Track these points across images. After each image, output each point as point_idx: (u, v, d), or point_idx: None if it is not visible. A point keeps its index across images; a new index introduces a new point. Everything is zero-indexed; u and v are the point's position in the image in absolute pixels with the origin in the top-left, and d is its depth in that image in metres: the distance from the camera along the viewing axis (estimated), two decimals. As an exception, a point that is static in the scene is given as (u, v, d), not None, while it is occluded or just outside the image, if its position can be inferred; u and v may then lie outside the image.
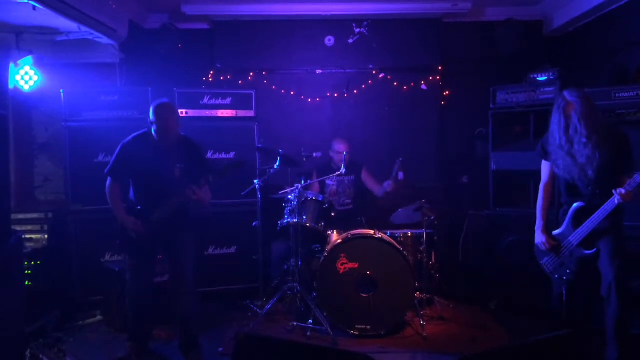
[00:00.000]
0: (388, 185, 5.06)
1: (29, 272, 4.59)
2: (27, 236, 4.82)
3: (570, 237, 3.60)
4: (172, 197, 3.76)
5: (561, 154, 3.53)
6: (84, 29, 5.02)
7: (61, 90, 5.07)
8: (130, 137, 3.87)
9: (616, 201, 3.34)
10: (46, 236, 4.90)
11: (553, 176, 3.78)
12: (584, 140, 3.40)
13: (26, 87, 5.26)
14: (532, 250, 3.89)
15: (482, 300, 5.12)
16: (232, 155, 5.41)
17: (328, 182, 5.33)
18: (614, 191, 3.33)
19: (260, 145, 5.30)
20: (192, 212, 4.07)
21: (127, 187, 3.93)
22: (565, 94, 3.52)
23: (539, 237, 3.75)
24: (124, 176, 3.88)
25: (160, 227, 3.78)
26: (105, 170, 3.86)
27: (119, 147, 3.85)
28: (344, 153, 5.12)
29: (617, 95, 4.37)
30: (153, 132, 3.77)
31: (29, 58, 5.21)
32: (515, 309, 4.82)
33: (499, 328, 4.58)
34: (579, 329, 3.62)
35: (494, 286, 5.08)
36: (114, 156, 3.85)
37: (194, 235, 3.99)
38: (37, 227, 4.93)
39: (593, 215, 3.46)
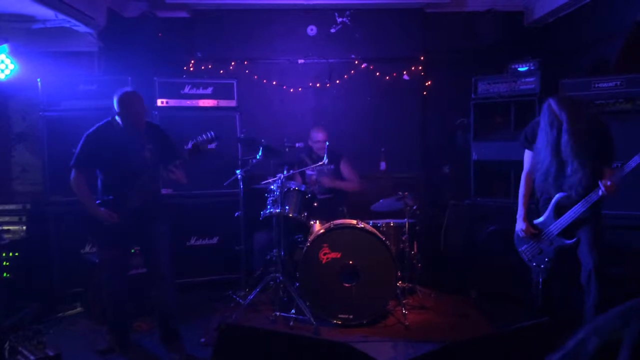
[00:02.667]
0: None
1: (7, 264, 4.53)
2: (5, 228, 4.75)
3: (551, 227, 3.65)
4: (145, 180, 3.71)
5: (549, 149, 3.53)
6: (60, 16, 4.93)
7: (38, 79, 4.98)
8: (94, 127, 3.81)
9: (600, 193, 3.37)
10: (24, 227, 4.83)
11: (535, 165, 3.82)
12: (575, 163, 3.44)
13: (2, 76, 5.14)
14: (512, 239, 3.94)
15: (463, 289, 5.17)
16: (213, 145, 5.35)
17: (308, 171, 5.33)
18: (600, 182, 3.37)
19: (242, 136, 5.26)
20: (166, 203, 4.04)
21: (93, 180, 3.84)
22: (554, 106, 3.48)
23: (520, 225, 3.80)
24: (90, 167, 3.80)
25: (134, 218, 3.73)
26: (71, 163, 3.77)
27: (82, 138, 3.78)
28: (324, 142, 5.14)
29: (596, 85, 4.41)
30: (118, 120, 3.75)
31: (5, 46, 5.08)
32: (495, 298, 4.87)
33: (480, 316, 4.64)
34: (556, 317, 3.69)
35: (474, 275, 5.13)
36: (78, 148, 3.78)
37: (168, 226, 3.96)
38: (15, 219, 4.86)
39: (575, 206, 3.51)
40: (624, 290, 4.04)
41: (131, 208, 3.71)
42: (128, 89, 3.83)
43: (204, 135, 3.77)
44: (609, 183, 3.35)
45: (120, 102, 3.71)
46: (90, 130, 3.81)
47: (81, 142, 3.78)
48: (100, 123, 3.83)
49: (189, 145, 3.80)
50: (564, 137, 3.42)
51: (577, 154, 3.41)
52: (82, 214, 3.80)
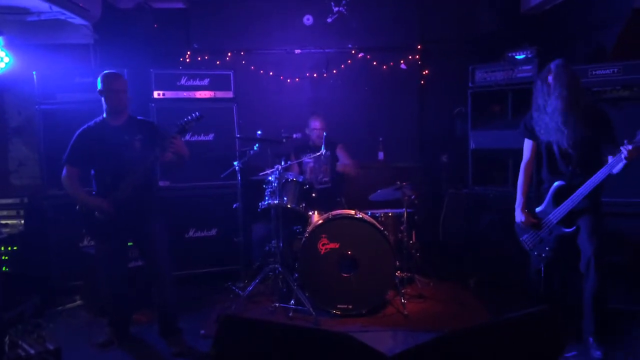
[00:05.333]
0: (348, 164, 5.29)
1: (6, 257, 4.53)
2: (3, 222, 4.75)
3: (550, 215, 3.65)
4: (137, 170, 3.70)
5: (541, 116, 3.57)
6: (55, 8, 4.88)
7: (34, 72, 4.95)
8: (85, 125, 3.87)
9: (623, 157, 3.25)
10: (22, 221, 4.82)
11: (534, 155, 3.82)
12: (557, 94, 3.45)
13: (-3, 69, 5.13)
14: (510, 228, 3.95)
15: (461, 278, 5.19)
16: (211, 137, 5.37)
17: (305, 159, 5.33)
18: (622, 148, 3.26)
19: (239, 135, 5.29)
20: (162, 197, 4.05)
21: (87, 176, 3.88)
22: (551, 63, 3.57)
23: (519, 215, 3.80)
24: (81, 163, 3.84)
25: (127, 210, 3.73)
26: (63, 159, 3.84)
27: (74, 136, 3.84)
28: (322, 130, 5.18)
29: (593, 72, 4.40)
30: (104, 111, 3.81)
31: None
32: (494, 286, 4.89)
33: (478, 305, 4.66)
34: (556, 305, 3.70)
35: (473, 264, 5.15)
36: (69, 145, 3.83)
37: (164, 222, 3.95)
38: (13, 213, 4.84)
39: (575, 193, 3.51)
40: (623, 277, 4.07)
41: (122, 197, 3.69)
42: (109, 70, 3.89)
43: (188, 117, 3.75)
44: (630, 147, 3.22)
45: (101, 81, 3.77)
46: (81, 128, 3.86)
47: (72, 139, 3.84)
48: (91, 121, 3.88)
49: (175, 129, 3.76)
50: (554, 97, 3.47)
51: (567, 121, 3.44)
52: (78, 214, 3.85)
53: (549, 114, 3.52)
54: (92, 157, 3.80)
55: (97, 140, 3.77)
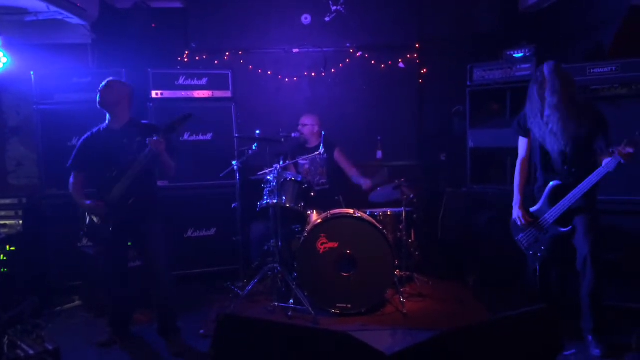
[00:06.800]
0: (365, 183, 5.16)
1: (4, 258, 4.51)
2: (1, 222, 4.74)
3: (546, 215, 3.65)
4: (136, 172, 3.69)
5: (536, 121, 3.58)
6: (53, 8, 4.87)
7: (31, 72, 4.94)
8: (88, 132, 3.92)
9: (616, 162, 3.28)
10: (21, 222, 4.81)
11: (529, 152, 3.83)
12: (550, 97, 3.45)
13: (-5, 70, 5.12)
14: (509, 226, 3.95)
15: (460, 277, 5.19)
16: (209, 136, 5.36)
17: (300, 161, 5.32)
18: (615, 150, 3.28)
19: (237, 135, 5.29)
20: (160, 198, 4.04)
21: (91, 180, 3.92)
22: (543, 65, 3.57)
23: (516, 213, 3.80)
24: (87, 166, 3.88)
25: (125, 211, 3.73)
26: (67, 165, 3.89)
27: (78, 143, 3.91)
28: (312, 126, 5.24)
29: (592, 71, 4.40)
30: (107, 117, 3.87)
31: (-3, 39, 5.07)
32: (493, 285, 4.88)
33: (477, 304, 4.66)
34: (553, 304, 3.70)
35: (472, 262, 5.15)
36: (74, 152, 3.89)
37: (162, 224, 3.95)
38: (11, 213, 4.83)
39: (570, 193, 3.51)
40: (619, 275, 4.08)
41: (117, 196, 3.69)
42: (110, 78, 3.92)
43: (179, 115, 3.74)
44: (626, 150, 3.23)
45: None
46: (85, 135, 3.92)
47: (77, 146, 3.91)
48: (95, 128, 3.92)
49: (169, 122, 3.74)
50: (547, 95, 3.47)
51: (565, 127, 3.44)
52: (76, 214, 3.89)
53: (544, 117, 3.52)
54: (93, 162, 3.83)
55: (99, 146, 3.81)
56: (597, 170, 3.40)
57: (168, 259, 3.92)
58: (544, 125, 3.53)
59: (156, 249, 3.85)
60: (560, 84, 3.45)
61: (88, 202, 3.79)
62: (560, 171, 3.60)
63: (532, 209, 3.75)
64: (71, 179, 3.90)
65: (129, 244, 4.01)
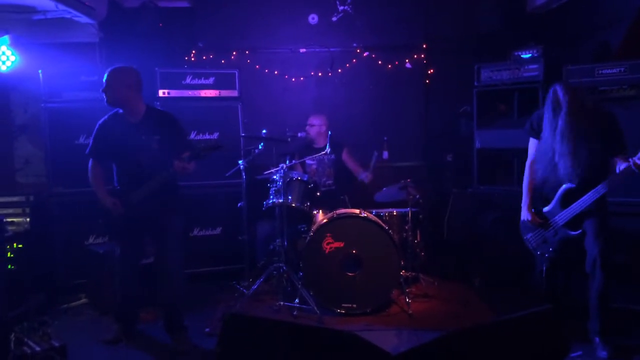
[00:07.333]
0: (365, 177, 5.11)
1: (12, 255, 4.52)
2: (9, 220, 4.74)
3: (557, 217, 3.64)
4: (154, 173, 3.69)
5: (548, 142, 3.56)
6: (61, 7, 4.90)
7: (39, 71, 4.96)
8: (106, 115, 3.89)
9: (633, 166, 3.29)
10: (28, 219, 4.82)
11: (539, 155, 3.81)
12: (563, 119, 3.44)
13: (3, 68, 5.12)
14: (515, 227, 3.93)
15: (466, 277, 5.18)
16: (215, 135, 5.37)
17: (308, 161, 5.32)
18: (630, 160, 3.30)
19: (244, 134, 5.30)
20: (180, 193, 4.03)
21: (111, 171, 3.91)
22: (558, 89, 3.53)
23: (525, 214, 3.79)
24: (105, 156, 3.87)
25: (143, 209, 3.73)
26: (87, 151, 3.90)
27: (96, 127, 3.88)
28: (320, 126, 5.24)
29: (600, 72, 4.38)
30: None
31: (6, 38, 5.06)
32: (498, 286, 4.87)
33: (483, 304, 4.64)
34: (559, 305, 3.69)
35: (478, 263, 5.14)
36: (92, 136, 3.88)
37: (182, 216, 3.96)
38: (19, 211, 4.84)
39: (583, 198, 3.49)
40: (626, 277, 4.05)
41: (136, 200, 3.70)
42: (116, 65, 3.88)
43: (204, 144, 3.71)
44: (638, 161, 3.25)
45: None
46: (102, 119, 3.89)
47: (94, 130, 3.88)
48: (111, 112, 3.88)
49: (197, 149, 3.70)
50: (560, 122, 3.44)
51: (572, 138, 3.41)
52: (96, 204, 3.87)
53: (556, 139, 3.51)
54: (111, 152, 3.83)
55: (115, 136, 3.77)
56: (611, 177, 3.40)
57: (182, 256, 3.92)
58: (556, 147, 3.51)
59: (172, 243, 3.84)
60: (572, 107, 3.44)
61: (108, 199, 3.76)
62: (573, 175, 3.57)
63: (544, 209, 3.73)
64: (89, 165, 3.89)
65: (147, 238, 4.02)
